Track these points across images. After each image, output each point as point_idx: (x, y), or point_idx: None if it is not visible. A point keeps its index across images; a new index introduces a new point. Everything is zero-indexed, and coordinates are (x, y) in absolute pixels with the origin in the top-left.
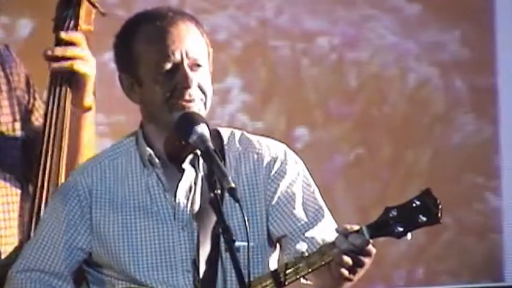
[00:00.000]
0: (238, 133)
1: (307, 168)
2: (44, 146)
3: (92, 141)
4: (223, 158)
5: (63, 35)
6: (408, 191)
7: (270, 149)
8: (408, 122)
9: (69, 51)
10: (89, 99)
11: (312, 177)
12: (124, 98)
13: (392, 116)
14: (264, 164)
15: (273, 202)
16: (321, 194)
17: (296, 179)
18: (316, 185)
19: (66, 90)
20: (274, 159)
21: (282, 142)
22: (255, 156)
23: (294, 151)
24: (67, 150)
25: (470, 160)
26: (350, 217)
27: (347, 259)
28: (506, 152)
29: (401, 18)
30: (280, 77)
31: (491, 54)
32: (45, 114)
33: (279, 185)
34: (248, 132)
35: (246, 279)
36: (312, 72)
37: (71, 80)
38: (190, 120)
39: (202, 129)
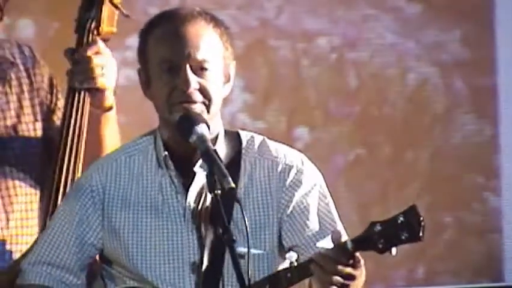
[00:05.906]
0: (258, 138)
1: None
2: (61, 149)
3: (116, 140)
4: (239, 162)
5: (88, 53)
6: (408, 191)
7: (286, 157)
8: (408, 122)
9: (93, 63)
10: (109, 100)
11: None
12: (124, 98)
13: (392, 116)
14: (278, 171)
15: (288, 212)
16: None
17: (312, 189)
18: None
19: (84, 95)
20: (290, 167)
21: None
22: (270, 162)
23: None
24: (88, 150)
25: (470, 160)
26: (350, 217)
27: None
28: (506, 152)
29: (401, 18)
30: (281, 77)
31: (491, 54)
32: (63, 118)
33: (294, 194)
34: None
35: (247, 282)
36: (312, 72)
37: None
38: (190, 120)
39: (201, 129)
